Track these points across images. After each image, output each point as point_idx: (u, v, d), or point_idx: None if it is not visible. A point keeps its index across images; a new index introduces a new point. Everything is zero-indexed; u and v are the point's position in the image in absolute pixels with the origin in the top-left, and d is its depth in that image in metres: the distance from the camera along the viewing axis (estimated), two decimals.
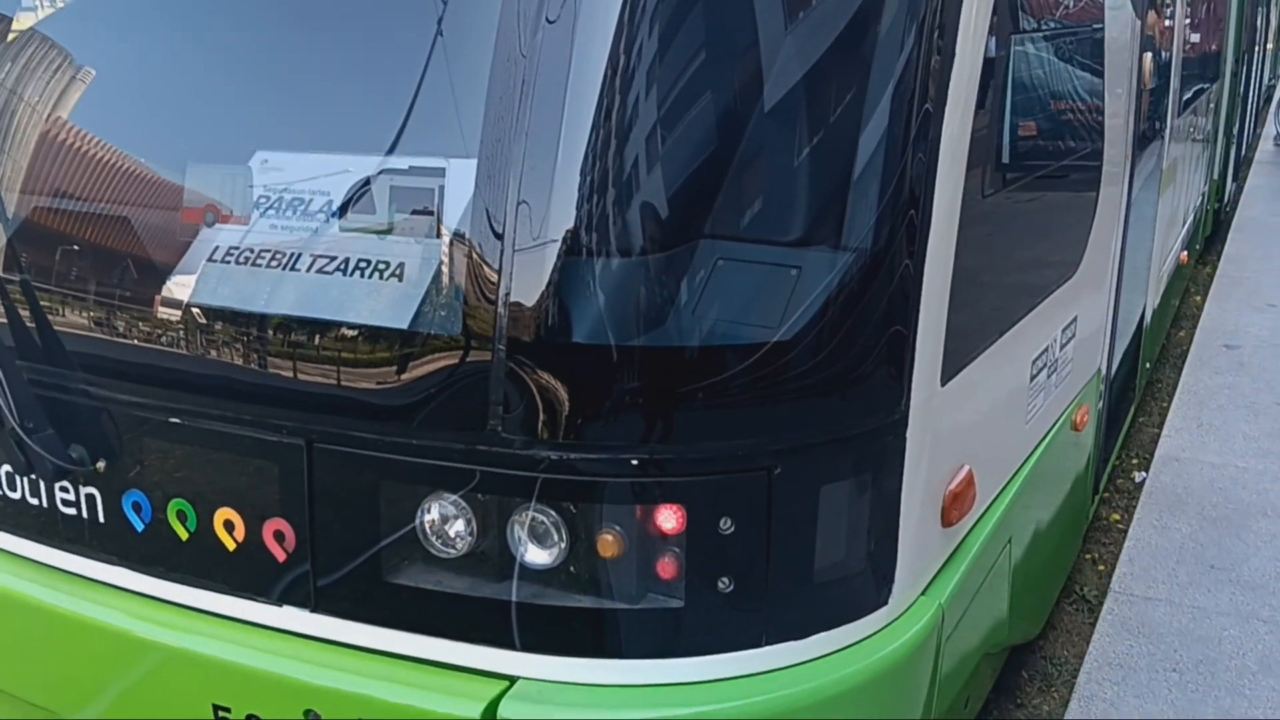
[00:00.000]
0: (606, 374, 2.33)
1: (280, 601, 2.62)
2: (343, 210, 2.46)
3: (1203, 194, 9.57)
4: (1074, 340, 3.89)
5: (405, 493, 2.46)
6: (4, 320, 2.76)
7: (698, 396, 2.36)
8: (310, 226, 2.49)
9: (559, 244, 2.29)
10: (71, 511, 2.87)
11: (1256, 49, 14.23)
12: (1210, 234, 11.05)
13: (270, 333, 2.51)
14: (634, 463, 2.34)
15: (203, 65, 2.75)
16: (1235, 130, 12.10)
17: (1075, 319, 3.89)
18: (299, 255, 2.49)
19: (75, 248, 2.77)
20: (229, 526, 2.65)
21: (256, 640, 2.62)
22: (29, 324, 2.76)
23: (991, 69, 2.79)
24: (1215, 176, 10.65)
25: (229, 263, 2.56)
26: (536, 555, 2.41)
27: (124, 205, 2.72)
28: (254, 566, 2.63)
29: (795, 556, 2.46)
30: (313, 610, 2.59)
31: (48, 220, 2.81)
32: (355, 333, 2.43)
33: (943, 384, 2.66)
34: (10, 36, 2.98)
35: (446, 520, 2.45)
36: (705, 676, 2.44)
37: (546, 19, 2.32)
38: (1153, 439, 6.46)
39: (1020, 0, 3.09)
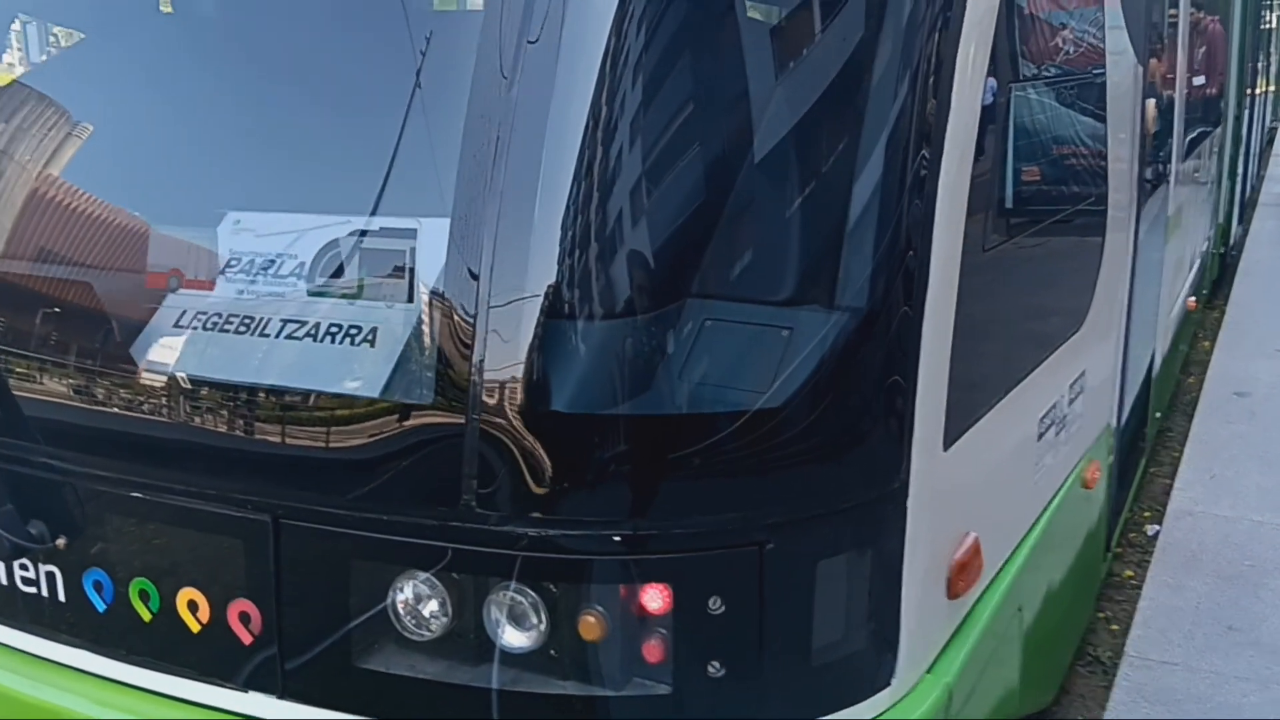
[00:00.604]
0: (587, 444, 2.20)
1: (247, 687, 2.47)
2: (312, 273, 2.35)
3: (1208, 238, 9.47)
4: (1082, 394, 3.76)
5: (376, 571, 2.32)
6: None
7: (684, 467, 2.23)
8: (278, 290, 2.38)
9: (536, 307, 2.17)
10: (31, 590, 2.73)
11: (1258, 92, 14.20)
12: (1217, 278, 10.93)
13: (234, 402, 2.39)
14: (617, 539, 2.21)
15: (167, 123, 2.66)
16: (1239, 173, 12.02)
17: (1083, 372, 3.76)
18: (266, 320, 2.38)
19: (33, 312, 2.65)
20: (193, 607, 2.51)
21: None
22: None
23: (990, 116, 2.68)
24: (1220, 220, 10.55)
25: (193, 329, 2.44)
26: (515, 638, 2.26)
27: (86, 268, 2.61)
28: (219, 649, 2.48)
29: (790, 637, 2.31)
30: (280, 696, 2.44)
31: (3, 283, 2.70)
32: (323, 401, 2.30)
33: (945, 448, 2.53)
34: None
35: (420, 600, 2.31)
36: None
37: (521, 72, 2.21)
38: (1164, 490, 6.30)
39: (1019, 46, 2.99)
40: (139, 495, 2.52)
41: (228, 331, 2.41)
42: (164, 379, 2.44)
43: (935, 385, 2.46)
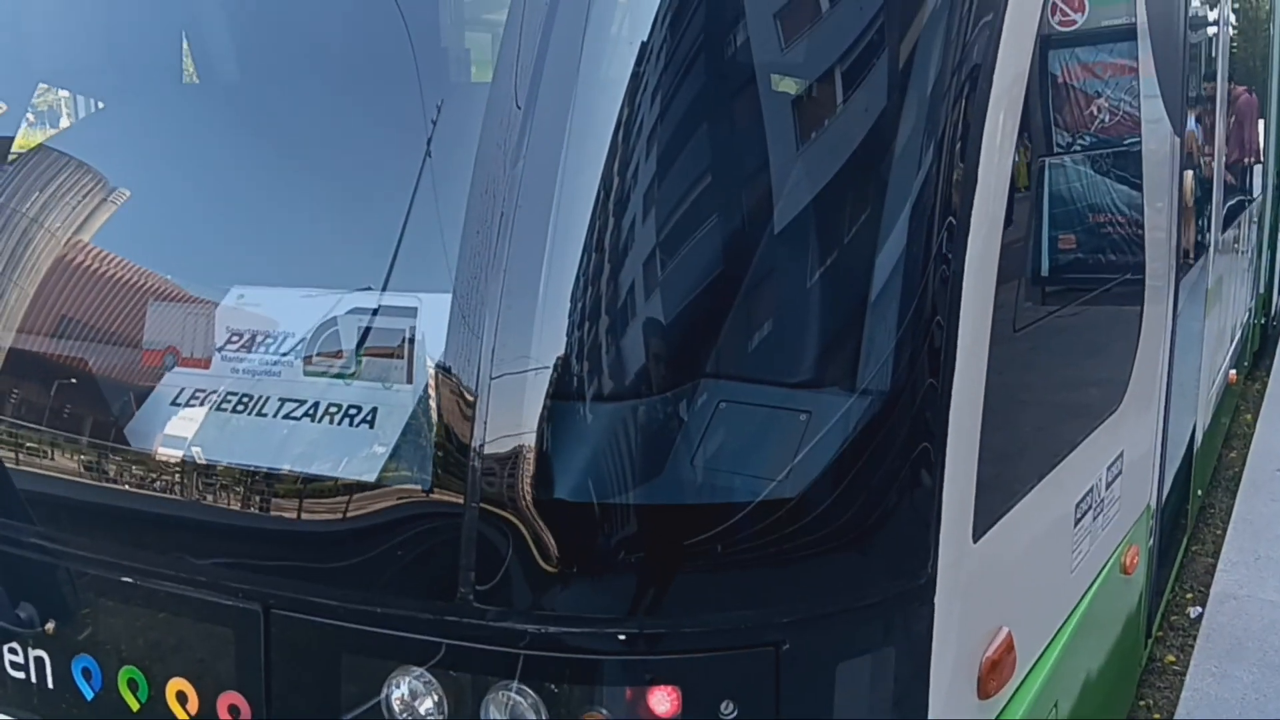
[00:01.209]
0: (592, 535, 2.08)
1: None
2: (311, 352, 2.26)
3: (1249, 309, 9.29)
4: (1120, 477, 3.60)
5: (370, 666, 2.20)
6: None
7: (696, 560, 2.11)
8: (276, 369, 2.29)
9: (540, 388, 2.06)
10: (20, 675, 2.64)
11: None
12: (1258, 349, 10.72)
13: (227, 484, 2.29)
14: (622, 638, 2.08)
15: (171, 195, 2.59)
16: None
17: (1121, 453, 3.60)
18: (262, 400, 2.29)
19: (24, 390, 2.58)
20: (182, 698, 2.40)
21: None
22: None
23: (1020, 186, 2.58)
24: (1261, 290, 10.37)
25: (188, 408, 2.36)
26: None
27: (81, 344, 2.54)
28: None
29: None
30: None
31: None
32: (317, 485, 2.21)
33: (975, 540, 2.39)
34: None
35: (415, 697, 2.18)
36: None
37: (528, 147, 2.13)
38: (1207, 569, 6.09)
39: (1050, 115, 2.88)
40: (129, 580, 2.43)
41: (224, 411, 2.33)
42: (156, 460, 2.36)
43: (964, 472, 2.33)
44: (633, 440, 2.09)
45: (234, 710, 2.33)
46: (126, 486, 2.42)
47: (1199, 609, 5.54)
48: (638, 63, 2.19)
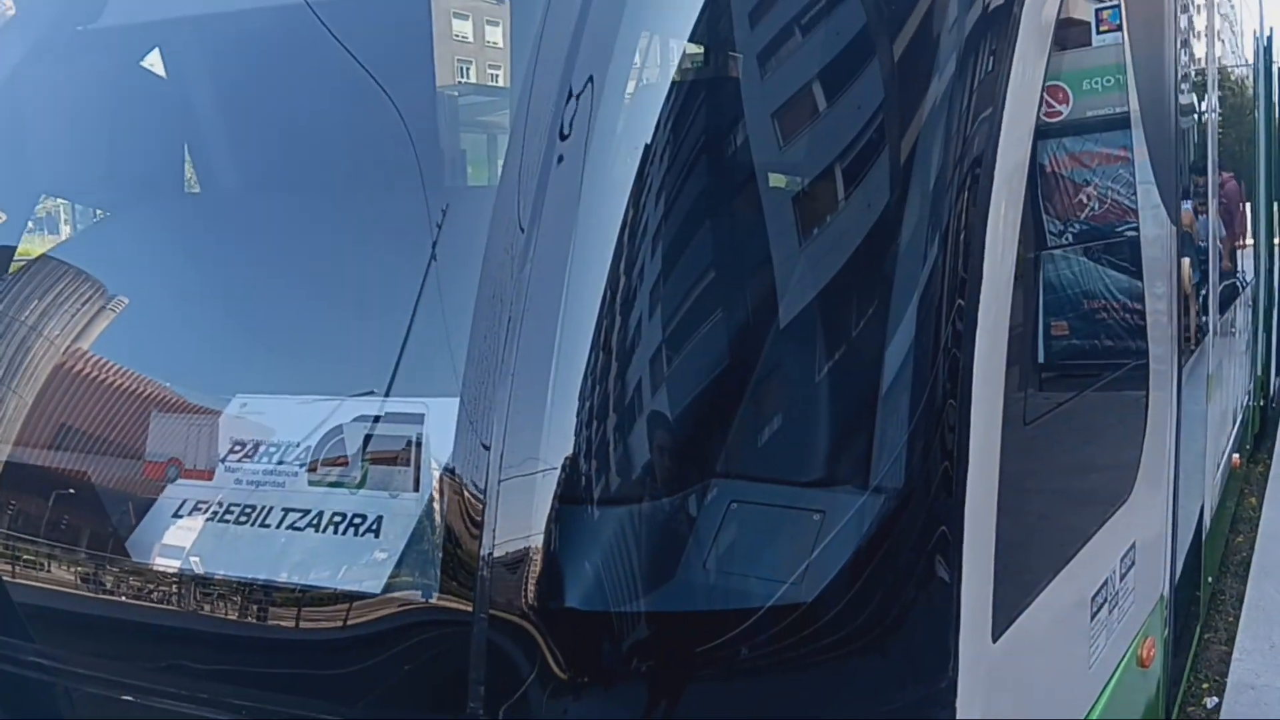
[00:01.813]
0: (605, 644, 2.03)
1: None
2: (314, 461, 2.23)
3: (1248, 391, 9.28)
4: (1134, 567, 3.55)
5: None
6: None
7: (711, 668, 2.06)
8: (280, 479, 2.25)
9: (549, 493, 2.03)
10: None
11: None
12: (1259, 431, 10.69)
13: (229, 597, 2.24)
14: None
15: (172, 305, 2.58)
16: (1275, 325, 11.89)
17: (1134, 544, 3.55)
18: (266, 510, 2.26)
19: (24, 503, 2.54)
20: None
21: None
22: None
23: (1024, 276, 2.57)
24: (1259, 372, 10.37)
25: (192, 519, 2.32)
26: None
27: (82, 456, 2.51)
28: None
29: None
30: None
31: None
32: (322, 597, 2.16)
33: (994, 639, 2.34)
34: None
35: None
36: None
37: (535, 250, 2.12)
38: (1221, 657, 5.98)
39: (1050, 204, 2.90)
40: (130, 698, 2.36)
41: (227, 522, 2.29)
42: (158, 573, 2.32)
43: (982, 570, 2.28)
44: (644, 544, 2.06)
45: None
46: (128, 600, 2.37)
47: (1215, 699, 5.43)
48: (642, 164, 2.20)
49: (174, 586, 2.30)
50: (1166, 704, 4.53)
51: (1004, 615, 2.37)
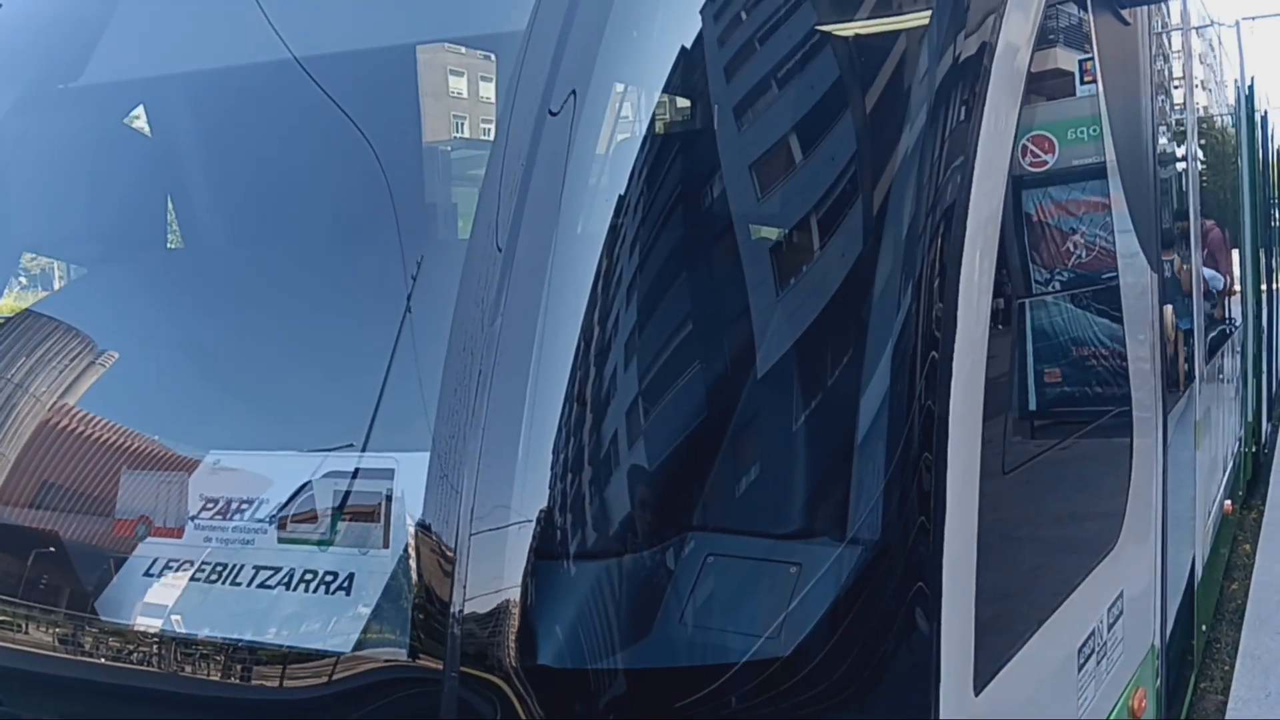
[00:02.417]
0: (580, 702, 2.00)
1: None
2: (284, 519, 2.20)
3: (1239, 438, 9.27)
4: (1122, 617, 3.52)
5: None
6: None
7: None
8: (248, 537, 2.23)
9: (522, 550, 2.01)
10: None
11: (1275, 286, 14.21)
12: (1251, 478, 10.66)
13: (197, 658, 2.21)
14: None
15: (142, 361, 2.57)
16: (1264, 370, 11.90)
17: (1121, 594, 3.52)
18: (236, 569, 2.23)
19: None
20: None
21: None
22: None
23: (1000, 324, 2.56)
24: (1250, 418, 10.36)
25: (161, 579, 2.29)
26: None
27: (50, 514, 2.48)
28: None
29: None
30: None
31: None
32: (291, 656, 2.13)
33: (976, 693, 2.30)
34: None
35: None
36: None
37: (507, 303, 2.11)
38: (1217, 707, 5.92)
39: (1025, 252, 2.90)
40: None
41: (196, 581, 2.26)
42: (125, 633, 2.29)
43: (962, 621, 2.25)
44: (620, 599, 2.03)
45: None
46: (97, 661, 2.33)
47: None
48: (616, 214, 2.20)
49: (144, 646, 2.27)
50: None
51: (986, 667, 2.34)
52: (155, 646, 2.26)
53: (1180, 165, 5.90)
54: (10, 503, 2.55)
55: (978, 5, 2.47)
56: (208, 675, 2.21)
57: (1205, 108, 7.93)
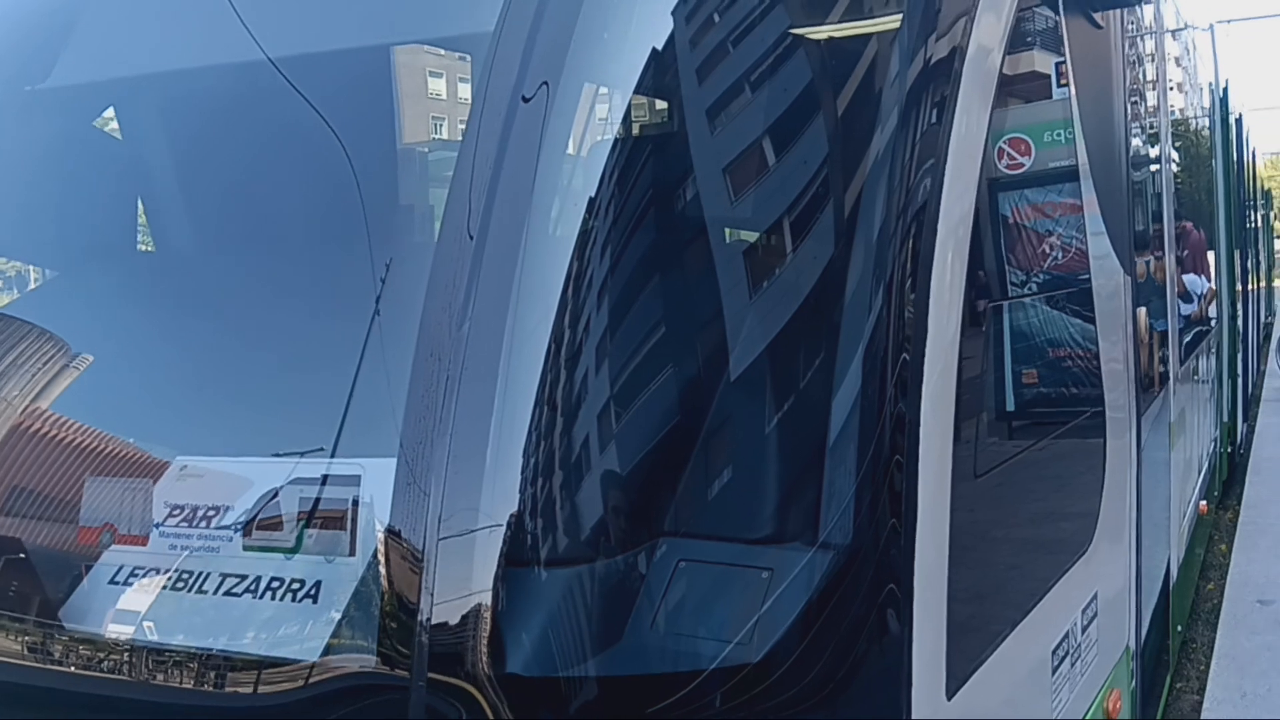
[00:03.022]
0: (549, 711, 1.98)
1: None
2: (249, 526, 2.18)
3: (1214, 438, 9.32)
4: (1096, 620, 3.52)
5: None
6: None
7: None
8: (213, 545, 2.20)
9: (490, 556, 1.99)
10: None
11: (1250, 289, 14.31)
12: (1227, 478, 10.73)
13: (162, 667, 2.18)
14: None
15: (107, 366, 2.54)
16: (1239, 371, 11.98)
17: (1095, 595, 3.52)
18: (202, 577, 2.20)
19: None
20: None
21: None
22: None
23: (972, 326, 2.56)
24: (1225, 419, 10.43)
25: (125, 587, 2.26)
26: None
27: (13, 521, 2.44)
28: None
29: None
30: None
31: None
32: (257, 665, 2.10)
33: (949, 697, 2.29)
34: None
35: None
36: None
37: (475, 307, 2.09)
38: (1193, 707, 5.95)
39: (998, 254, 2.90)
40: None
41: (162, 589, 2.23)
42: (90, 642, 2.25)
43: (933, 626, 2.24)
44: (590, 605, 2.01)
45: None
46: (61, 669, 2.30)
47: None
48: (586, 216, 2.19)
49: (108, 654, 2.24)
50: None
51: (959, 671, 2.33)
52: (119, 655, 2.23)
53: (1154, 167, 5.92)
54: None
55: (949, 8, 2.46)
56: (173, 684, 2.19)
57: (1179, 110, 7.97)
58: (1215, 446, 9.38)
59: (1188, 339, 6.94)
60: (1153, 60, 6.01)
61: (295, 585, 2.11)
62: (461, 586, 1.97)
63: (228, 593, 2.17)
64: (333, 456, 2.15)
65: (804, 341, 2.22)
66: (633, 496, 2.11)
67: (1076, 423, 3.52)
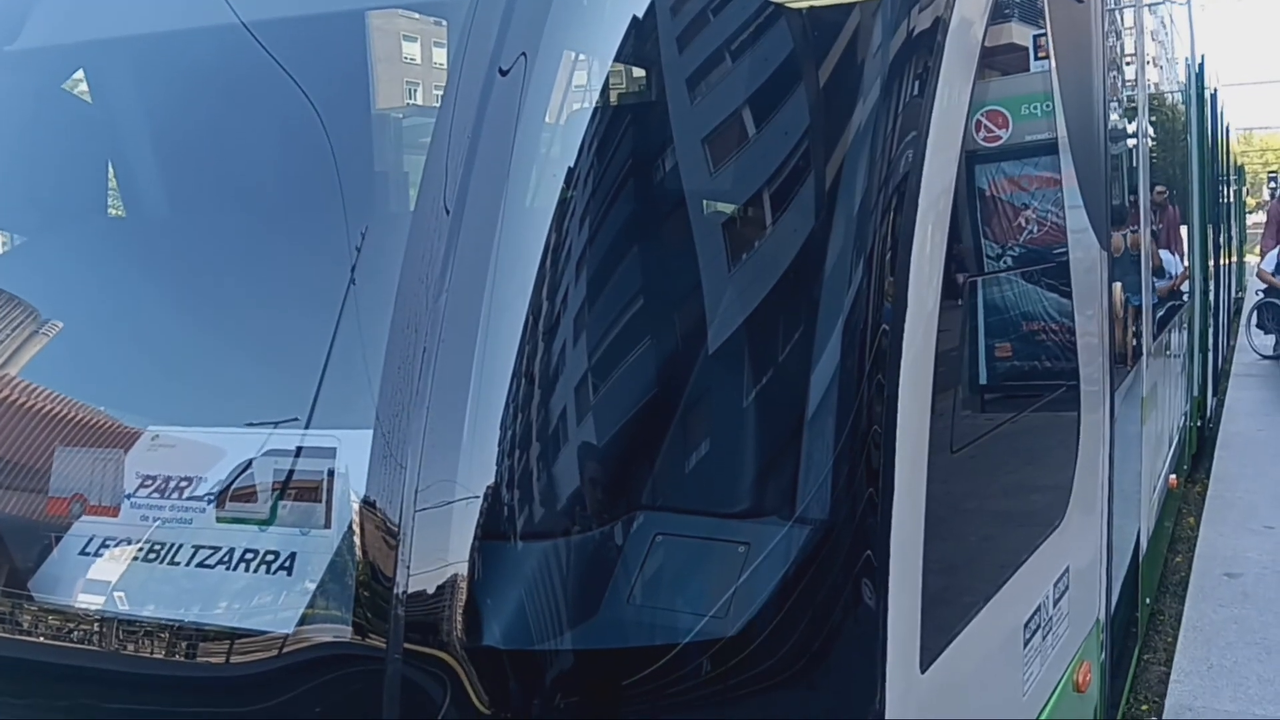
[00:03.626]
0: (526, 683, 1.97)
1: None
2: (223, 497, 2.16)
3: (1184, 413, 9.39)
4: (1067, 593, 3.54)
5: None
6: None
7: (636, 704, 2.01)
8: (186, 516, 2.18)
9: (467, 529, 1.98)
10: None
11: (1222, 264, 14.41)
12: (1196, 452, 10.82)
13: (134, 638, 2.16)
14: None
15: (79, 333, 2.50)
16: (1210, 345, 12.06)
17: (1067, 569, 3.54)
18: (174, 548, 2.18)
19: None
20: None
21: None
22: None
23: (951, 300, 2.55)
24: (1196, 393, 10.50)
25: (96, 558, 2.24)
26: None
27: None
28: None
29: None
30: None
31: None
32: (231, 637, 2.09)
33: (923, 670, 2.30)
34: None
35: None
36: None
37: (451, 278, 2.07)
38: (1160, 678, 6.01)
39: (978, 228, 2.89)
40: None
41: (134, 560, 2.21)
42: (60, 613, 2.23)
43: (908, 599, 2.25)
44: (567, 578, 2.01)
45: None
46: (31, 640, 2.28)
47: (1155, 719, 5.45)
48: (565, 188, 2.16)
49: (79, 626, 2.22)
50: None
51: (933, 644, 2.34)
52: (89, 626, 2.21)
53: (1131, 141, 5.93)
54: None
55: None
56: (146, 655, 2.17)
57: (1156, 84, 7.97)
58: (1185, 421, 9.45)
59: (1161, 314, 6.98)
60: (1131, 34, 6.01)
61: (269, 557, 2.10)
62: (437, 558, 1.96)
63: (200, 564, 2.15)
64: (308, 428, 2.13)
65: (783, 315, 2.21)
66: (610, 469, 2.10)
67: (1052, 397, 3.53)
